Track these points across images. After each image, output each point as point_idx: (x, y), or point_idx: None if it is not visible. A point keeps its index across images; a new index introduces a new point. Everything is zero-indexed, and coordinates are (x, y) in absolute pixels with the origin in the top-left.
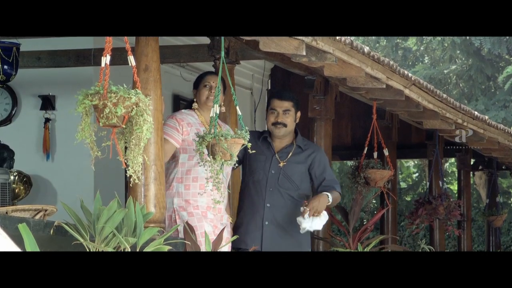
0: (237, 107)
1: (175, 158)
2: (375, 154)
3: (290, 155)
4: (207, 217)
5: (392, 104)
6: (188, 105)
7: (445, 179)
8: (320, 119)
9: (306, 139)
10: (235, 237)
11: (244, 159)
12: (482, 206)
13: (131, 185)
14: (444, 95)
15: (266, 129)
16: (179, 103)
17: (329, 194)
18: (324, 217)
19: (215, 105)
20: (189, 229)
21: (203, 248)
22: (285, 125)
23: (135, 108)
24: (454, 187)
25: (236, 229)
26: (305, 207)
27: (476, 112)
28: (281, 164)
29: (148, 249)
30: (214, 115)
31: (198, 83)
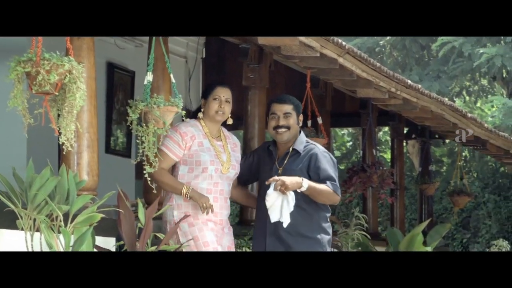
0: (171, 75)
1: (175, 169)
2: (309, 123)
3: (286, 161)
4: (207, 226)
5: (326, 72)
6: (194, 113)
7: (378, 147)
8: (255, 87)
9: (309, 142)
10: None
11: (258, 173)
12: (415, 175)
13: (64, 153)
14: (378, 64)
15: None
16: (114, 71)
17: (305, 179)
18: (291, 200)
19: (148, 72)
20: (124, 197)
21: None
22: (287, 128)
23: (68, 75)
24: (388, 155)
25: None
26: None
27: (409, 81)
28: (280, 172)
29: (81, 217)
30: (147, 83)
31: (207, 94)
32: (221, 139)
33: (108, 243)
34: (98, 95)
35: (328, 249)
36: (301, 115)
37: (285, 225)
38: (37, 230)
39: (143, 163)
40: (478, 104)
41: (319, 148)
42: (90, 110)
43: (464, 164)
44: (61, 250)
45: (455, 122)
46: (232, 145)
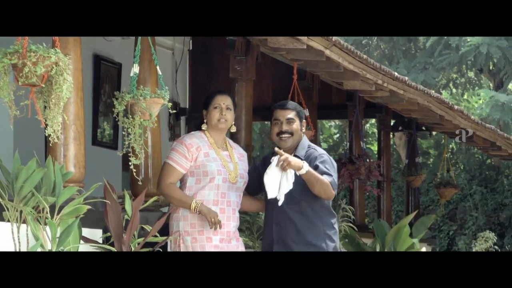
0: (157, 67)
1: (183, 181)
2: None
3: None
4: (211, 243)
5: (312, 65)
6: (198, 125)
7: (365, 139)
8: (241, 79)
9: (311, 146)
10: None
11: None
12: (402, 167)
13: (50, 144)
14: (365, 56)
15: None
16: (100, 63)
17: (305, 163)
18: (291, 178)
19: (134, 64)
20: (111, 188)
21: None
22: (291, 133)
23: (54, 67)
24: (374, 147)
25: None
26: (280, 151)
27: (395, 73)
28: None
29: (68, 208)
30: (133, 75)
31: (208, 104)
32: (227, 149)
33: (95, 235)
34: (85, 87)
35: None
36: (304, 121)
37: (280, 203)
38: (24, 222)
39: (130, 155)
40: (465, 96)
41: (318, 151)
42: (77, 102)
43: (451, 156)
44: (48, 242)
45: (441, 114)
46: (239, 155)
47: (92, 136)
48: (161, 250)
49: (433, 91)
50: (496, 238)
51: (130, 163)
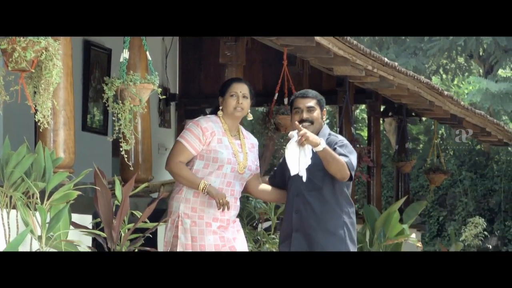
0: (147, 53)
1: (190, 163)
2: (286, 100)
3: None
4: (210, 228)
5: (303, 50)
6: (214, 110)
7: (355, 125)
8: (231, 65)
9: (331, 134)
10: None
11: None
12: (392, 152)
13: (40, 130)
14: (355, 42)
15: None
16: (90, 49)
17: (323, 140)
18: (308, 153)
19: (124, 50)
20: (101, 174)
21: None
22: (311, 122)
23: (44, 53)
24: (364, 133)
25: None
26: (300, 126)
27: (385, 59)
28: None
29: (58, 194)
30: (123, 60)
31: (224, 91)
32: (239, 138)
33: (85, 221)
34: (75, 72)
35: (350, 246)
36: (325, 109)
37: (304, 179)
38: (14, 208)
39: (120, 140)
40: (455, 82)
41: (339, 137)
42: (67, 88)
43: (441, 142)
44: (37, 227)
45: (431, 100)
46: (250, 145)
47: (82, 121)
48: (151, 236)
49: (423, 77)
50: (485, 223)
51: (120, 149)
